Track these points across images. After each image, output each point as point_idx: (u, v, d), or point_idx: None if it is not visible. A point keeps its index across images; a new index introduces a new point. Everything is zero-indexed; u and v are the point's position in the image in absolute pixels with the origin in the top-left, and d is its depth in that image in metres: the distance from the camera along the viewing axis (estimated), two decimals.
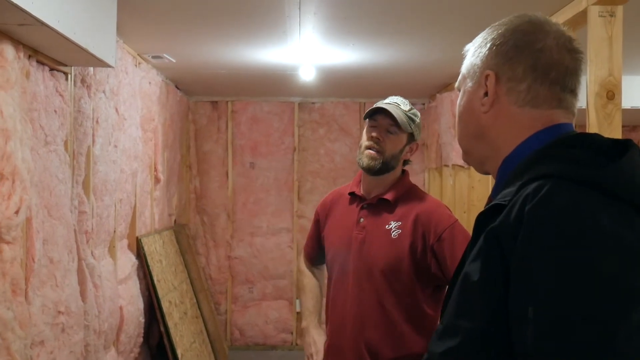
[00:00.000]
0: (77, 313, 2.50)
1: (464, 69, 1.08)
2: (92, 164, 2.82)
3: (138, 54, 3.67)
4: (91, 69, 2.76)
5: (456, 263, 1.85)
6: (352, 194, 2.15)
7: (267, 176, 5.72)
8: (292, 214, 5.72)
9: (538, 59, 0.98)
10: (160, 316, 3.82)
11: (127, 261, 3.51)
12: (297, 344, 5.71)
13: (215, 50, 3.59)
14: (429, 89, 5.02)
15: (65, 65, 2.48)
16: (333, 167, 5.72)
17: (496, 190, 1.00)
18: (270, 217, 5.72)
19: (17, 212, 1.94)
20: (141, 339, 3.63)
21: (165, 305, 3.89)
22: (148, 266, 3.80)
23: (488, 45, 1.03)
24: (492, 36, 1.03)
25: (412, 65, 3.99)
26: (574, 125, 1.02)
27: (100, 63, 2.40)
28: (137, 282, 3.65)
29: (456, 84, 1.11)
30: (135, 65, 3.63)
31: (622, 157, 0.89)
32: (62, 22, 1.92)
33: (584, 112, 2.18)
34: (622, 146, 0.92)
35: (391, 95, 2.13)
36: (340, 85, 4.91)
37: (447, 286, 1.76)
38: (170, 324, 3.86)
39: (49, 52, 2.25)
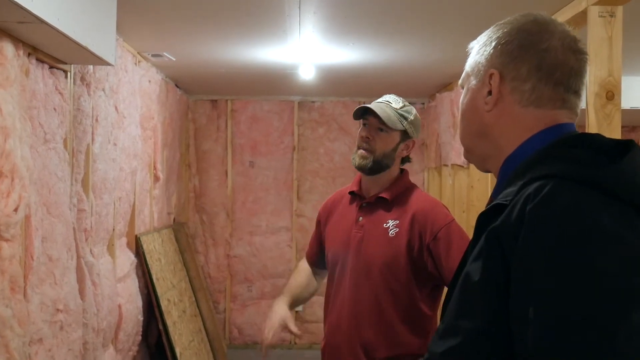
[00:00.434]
0: (75, 311, 2.50)
1: (468, 66, 1.08)
2: (92, 162, 2.82)
3: (138, 52, 3.67)
4: (91, 67, 2.76)
5: (451, 262, 1.87)
6: (352, 193, 2.15)
7: (267, 175, 5.72)
8: (291, 213, 5.72)
9: (543, 59, 0.98)
10: (159, 314, 3.82)
11: (126, 259, 3.51)
12: (295, 343, 5.71)
13: (215, 48, 3.59)
14: (428, 88, 5.02)
15: (65, 63, 2.48)
16: (332, 166, 5.72)
17: (497, 189, 1.00)
18: (270, 216, 5.72)
19: (16, 210, 1.93)
20: (140, 337, 3.63)
21: (164, 303, 3.89)
22: (147, 264, 3.80)
23: (493, 43, 1.02)
24: (497, 35, 1.03)
25: (412, 64, 3.99)
26: (575, 125, 1.03)
27: (100, 61, 2.39)
28: (136, 280, 3.65)
29: (460, 81, 1.11)
30: (135, 64, 3.62)
31: (623, 157, 0.89)
32: (61, 20, 1.92)
33: (583, 112, 2.17)
34: (623, 146, 0.91)
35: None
36: (340, 84, 4.91)
37: (446, 286, 1.76)
38: (169, 322, 3.86)
39: (48, 50, 2.25)
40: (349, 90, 5.33)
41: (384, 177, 2.08)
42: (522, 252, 0.84)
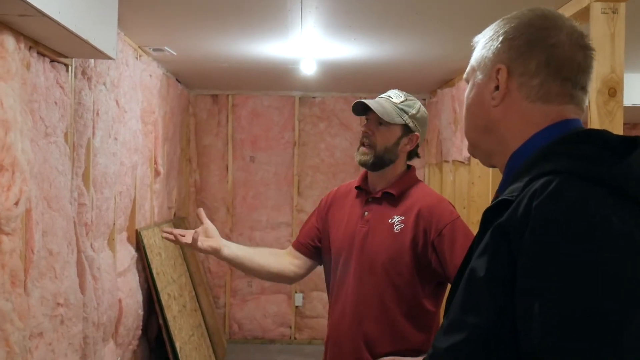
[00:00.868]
0: (76, 305, 2.50)
1: (474, 60, 1.06)
2: (92, 156, 2.82)
3: (139, 47, 3.66)
4: (92, 61, 2.75)
5: (455, 259, 1.86)
6: (358, 188, 2.15)
7: (267, 170, 5.72)
8: (291, 209, 5.72)
9: (552, 54, 0.97)
10: (159, 309, 3.82)
11: (127, 254, 3.51)
12: (295, 338, 5.72)
13: (217, 43, 3.58)
14: (429, 84, 5.02)
15: (66, 57, 2.47)
16: (333, 162, 5.72)
17: (503, 185, 0.99)
18: (270, 211, 5.72)
19: (16, 204, 1.93)
20: (140, 332, 3.63)
21: (164, 298, 3.89)
22: (147, 259, 3.80)
23: (500, 38, 1.01)
24: (505, 29, 1.02)
25: (414, 60, 3.99)
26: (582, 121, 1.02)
27: (101, 55, 2.39)
28: (136, 274, 3.65)
29: (464, 75, 1.09)
30: (136, 58, 3.62)
31: (630, 154, 0.88)
32: (63, 13, 1.91)
33: (585, 109, 2.18)
34: (630, 143, 0.91)
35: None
36: (341, 79, 4.90)
37: (450, 283, 1.76)
38: (169, 316, 3.86)
39: (49, 43, 2.24)
40: (350, 86, 5.32)
41: (389, 173, 2.08)
42: (528, 247, 0.83)
